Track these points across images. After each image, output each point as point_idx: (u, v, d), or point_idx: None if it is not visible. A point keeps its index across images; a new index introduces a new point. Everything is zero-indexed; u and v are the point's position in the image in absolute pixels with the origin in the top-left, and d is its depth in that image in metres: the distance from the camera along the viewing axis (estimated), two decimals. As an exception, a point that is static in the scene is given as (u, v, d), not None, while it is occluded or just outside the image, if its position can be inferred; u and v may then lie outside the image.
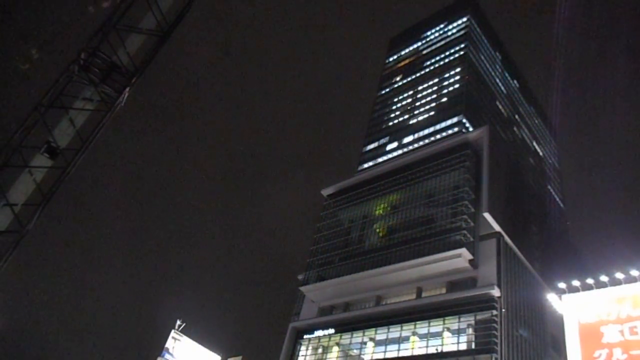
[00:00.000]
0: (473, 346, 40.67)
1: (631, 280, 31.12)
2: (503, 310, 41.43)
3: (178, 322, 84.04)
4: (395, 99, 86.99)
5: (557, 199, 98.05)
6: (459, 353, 40.84)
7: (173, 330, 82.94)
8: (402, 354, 44.60)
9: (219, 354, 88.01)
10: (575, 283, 33.26)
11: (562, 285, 33.89)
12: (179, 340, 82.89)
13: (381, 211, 57.17)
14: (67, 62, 15.07)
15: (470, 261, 45.29)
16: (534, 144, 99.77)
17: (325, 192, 66.08)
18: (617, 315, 30.80)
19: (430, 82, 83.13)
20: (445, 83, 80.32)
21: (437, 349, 42.38)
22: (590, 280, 32.72)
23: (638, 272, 30.87)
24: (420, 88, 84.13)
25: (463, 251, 44.80)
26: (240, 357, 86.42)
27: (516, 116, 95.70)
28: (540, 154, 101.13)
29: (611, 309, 31.21)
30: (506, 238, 46.86)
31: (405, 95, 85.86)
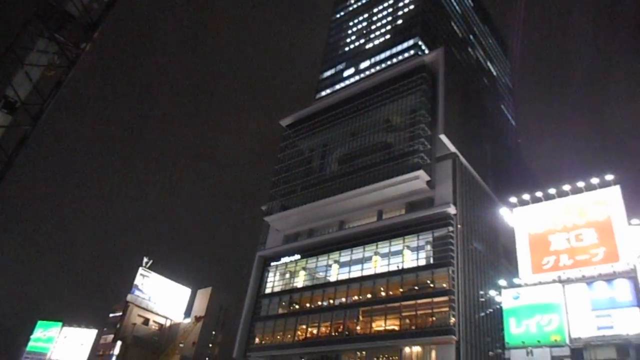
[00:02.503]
0: (431, 261, 42.98)
1: (577, 191, 33.02)
2: (459, 226, 43.53)
3: (145, 260, 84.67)
4: (351, 23, 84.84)
5: (510, 118, 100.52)
6: (418, 268, 43.15)
7: (141, 268, 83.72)
8: (366, 273, 46.74)
9: (189, 287, 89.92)
10: (526, 197, 35.05)
11: (513, 199, 35.65)
12: (147, 277, 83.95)
13: (340, 138, 57.44)
14: (22, 15, 13.97)
15: (427, 182, 46.78)
16: (488, 63, 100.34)
17: (284, 122, 65.43)
18: (563, 225, 32.93)
19: (385, 4, 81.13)
20: (400, 4, 78.57)
21: (398, 266, 44.57)
22: (539, 194, 34.53)
23: (584, 183, 32.70)
24: (375, 10, 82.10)
25: (420, 173, 46.10)
26: (210, 289, 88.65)
27: (471, 36, 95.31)
28: (494, 73, 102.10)
29: (558, 219, 33.28)
30: (461, 158, 48.31)
31: (361, 18, 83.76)
